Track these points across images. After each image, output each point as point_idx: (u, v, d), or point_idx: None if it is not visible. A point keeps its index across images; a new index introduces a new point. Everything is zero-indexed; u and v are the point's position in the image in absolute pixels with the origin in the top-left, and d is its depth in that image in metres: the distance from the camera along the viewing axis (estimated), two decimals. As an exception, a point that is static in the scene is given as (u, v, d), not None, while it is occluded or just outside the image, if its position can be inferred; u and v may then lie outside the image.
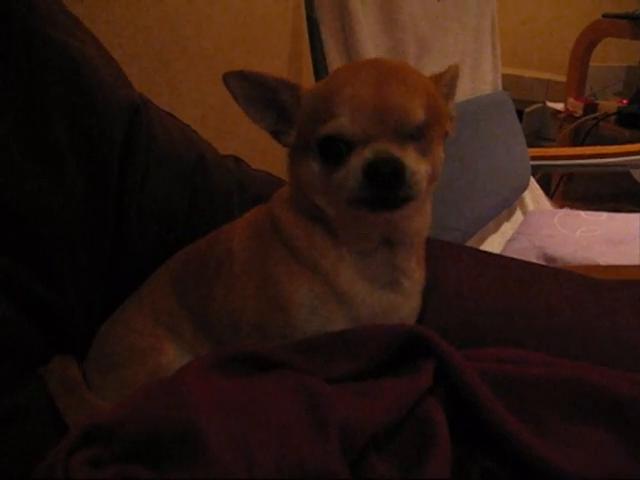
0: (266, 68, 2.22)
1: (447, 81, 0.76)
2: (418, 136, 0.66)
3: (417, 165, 0.65)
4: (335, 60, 1.31)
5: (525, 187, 1.98)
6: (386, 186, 0.63)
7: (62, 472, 0.55)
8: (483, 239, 1.86)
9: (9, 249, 0.71)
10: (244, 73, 0.71)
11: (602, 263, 1.51)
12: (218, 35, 2.05)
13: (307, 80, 2.22)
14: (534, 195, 2.09)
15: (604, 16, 2.46)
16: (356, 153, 0.65)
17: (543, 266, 1.01)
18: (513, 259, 0.96)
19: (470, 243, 1.72)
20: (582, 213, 1.88)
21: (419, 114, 0.65)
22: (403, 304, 0.76)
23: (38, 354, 0.77)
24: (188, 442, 0.54)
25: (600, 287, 0.90)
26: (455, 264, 0.90)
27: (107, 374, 0.80)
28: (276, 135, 0.74)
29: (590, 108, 2.56)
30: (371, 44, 1.38)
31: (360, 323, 0.72)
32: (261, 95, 0.72)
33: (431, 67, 1.63)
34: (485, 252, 1.02)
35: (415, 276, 0.77)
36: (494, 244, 1.87)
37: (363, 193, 0.64)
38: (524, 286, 0.87)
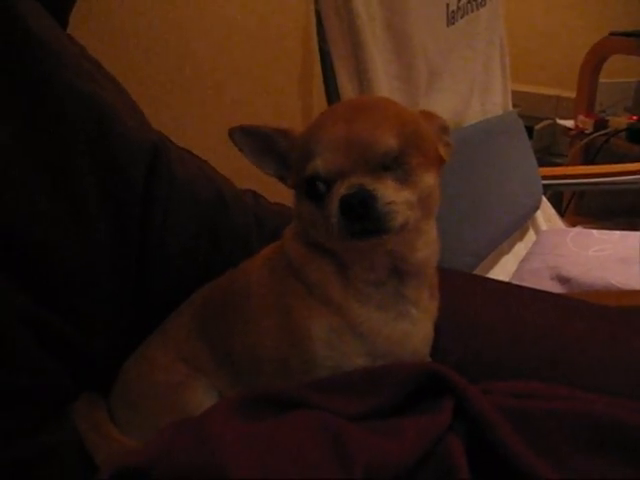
0: (275, 93, 2.25)
1: (439, 124, 0.78)
2: (394, 166, 0.68)
3: (394, 194, 0.66)
4: (347, 90, 1.33)
5: (537, 207, 2.00)
6: (359, 218, 0.65)
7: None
8: (497, 260, 1.87)
9: (40, 295, 0.74)
10: (244, 127, 0.76)
11: (615, 283, 1.52)
12: (229, 59, 2.09)
13: (318, 103, 2.26)
14: (546, 214, 2.10)
15: (611, 34, 2.48)
16: (334, 189, 0.68)
17: (555, 295, 1.02)
18: (525, 288, 0.98)
19: (484, 265, 1.74)
20: (595, 232, 1.88)
21: (389, 142, 0.67)
22: (415, 334, 0.77)
23: (66, 393, 0.79)
24: (217, 484, 0.56)
25: (612, 315, 0.91)
26: (469, 295, 0.91)
27: (132, 411, 0.81)
28: (282, 179, 0.79)
29: (600, 124, 2.57)
30: (382, 72, 1.40)
31: (377, 355, 0.74)
32: (262, 145, 0.77)
33: (441, 92, 1.66)
34: (497, 281, 1.03)
35: (426, 306, 0.79)
36: (508, 265, 1.88)
37: (343, 227, 0.66)
38: (537, 316, 0.88)
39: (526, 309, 0.89)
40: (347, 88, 1.31)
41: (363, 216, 0.65)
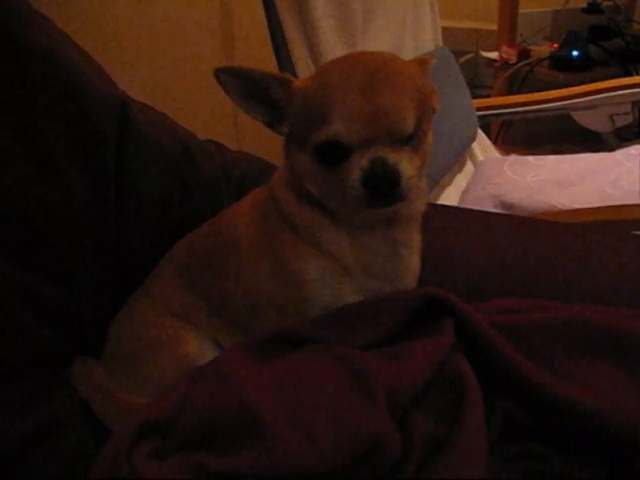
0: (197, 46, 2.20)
1: (429, 69, 0.78)
2: (411, 137, 0.69)
3: (411, 168, 0.68)
4: (293, 33, 1.34)
5: (473, 138, 2.05)
6: (385, 194, 0.67)
7: (127, 467, 0.58)
8: (439, 193, 1.92)
9: (24, 260, 0.72)
10: (234, 69, 0.72)
11: (557, 205, 1.59)
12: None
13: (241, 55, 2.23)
14: (482, 145, 2.16)
15: (529, -37, 2.53)
16: (353, 159, 0.67)
17: (523, 218, 1.07)
18: (493, 213, 1.02)
19: (428, 198, 1.78)
20: (530, 158, 1.95)
21: (411, 120, 0.68)
22: (405, 271, 0.80)
23: (60, 361, 0.78)
24: (246, 424, 0.58)
25: (576, 231, 0.97)
26: (443, 226, 0.95)
27: (129, 371, 0.81)
28: (270, 125, 0.76)
29: (523, 54, 2.64)
30: (322, 14, 1.40)
31: (367, 294, 0.77)
32: (252, 89, 0.73)
33: (377, 31, 1.66)
34: (466, 210, 1.07)
35: (414, 246, 0.81)
36: (450, 196, 1.94)
37: (364, 197, 0.67)
38: (511, 239, 0.93)
39: (500, 233, 0.94)
40: (292, 32, 1.32)
41: (388, 192, 0.67)
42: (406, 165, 0.67)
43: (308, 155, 0.71)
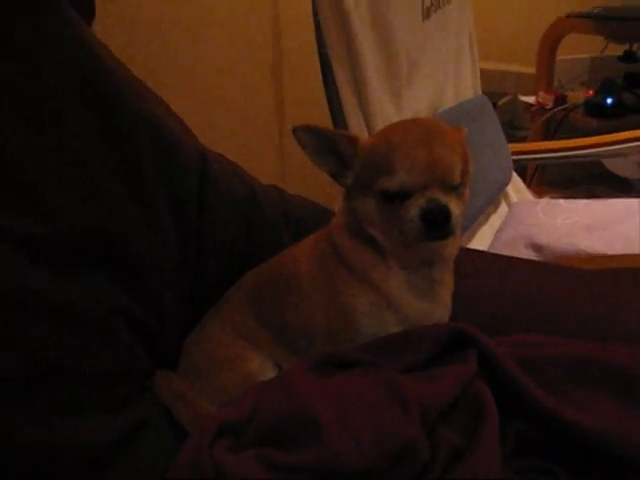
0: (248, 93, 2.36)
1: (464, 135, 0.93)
2: (457, 186, 0.84)
3: (457, 209, 0.83)
4: (344, 87, 1.50)
5: (508, 181, 2.18)
6: (438, 228, 0.82)
7: (208, 459, 0.72)
8: (475, 232, 2.05)
9: (127, 288, 0.87)
10: (310, 127, 0.87)
11: (585, 248, 1.71)
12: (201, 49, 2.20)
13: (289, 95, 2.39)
14: (516, 187, 2.29)
15: (568, 16, 2.66)
16: (413, 200, 0.82)
17: (539, 262, 1.21)
18: (515, 258, 1.16)
19: (464, 237, 1.91)
20: (562, 201, 2.07)
21: (458, 171, 0.84)
22: (439, 307, 0.94)
23: (146, 371, 0.93)
24: (307, 428, 0.72)
25: (590, 277, 1.10)
26: (470, 269, 1.09)
27: (199, 384, 0.94)
28: (334, 177, 0.91)
29: (560, 100, 2.77)
30: (372, 68, 1.56)
31: (408, 325, 0.91)
32: (324, 145, 0.88)
33: (420, 83, 1.81)
34: (491, 254, 1.21)
35: (447, 284, 0.95)
36: (485, 235, 2.06)
37: (422, 231, 0.82)
38: (529, 282, 1.06)
39: (519, 277, 1.07)
40: (344, 86, 1.48)
41: (442, 226, 0.82)
42: (454, 206, 0.83)
43: (371, 198, 0.86)
